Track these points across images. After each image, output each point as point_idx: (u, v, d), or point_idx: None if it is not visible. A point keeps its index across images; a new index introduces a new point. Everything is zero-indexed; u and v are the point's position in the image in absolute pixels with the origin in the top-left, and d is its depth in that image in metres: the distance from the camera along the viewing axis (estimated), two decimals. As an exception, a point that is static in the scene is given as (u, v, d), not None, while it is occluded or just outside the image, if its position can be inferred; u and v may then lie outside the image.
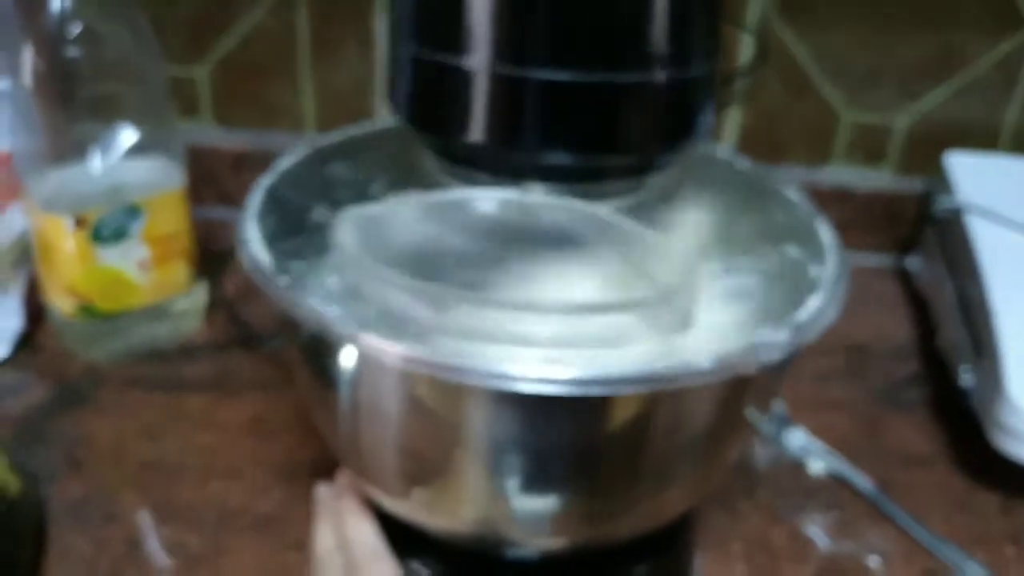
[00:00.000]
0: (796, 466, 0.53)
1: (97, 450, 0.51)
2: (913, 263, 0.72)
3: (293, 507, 0.48)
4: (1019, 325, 0.52)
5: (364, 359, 0.31)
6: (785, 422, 0.55)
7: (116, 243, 0.55)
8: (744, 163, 0.43)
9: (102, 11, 0.52)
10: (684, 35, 0.33)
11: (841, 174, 0.74)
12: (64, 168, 0.53)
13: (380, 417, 0.33)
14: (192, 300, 0.61)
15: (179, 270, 0.59)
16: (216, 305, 0.63)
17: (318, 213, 0.37)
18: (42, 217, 0.54)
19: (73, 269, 0.55)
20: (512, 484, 0.33)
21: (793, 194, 0.41)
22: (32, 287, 0.60)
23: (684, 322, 0.31)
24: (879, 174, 0.74)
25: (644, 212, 0.36)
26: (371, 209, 0.34)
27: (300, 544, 0.45)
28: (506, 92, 0.32)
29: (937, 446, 0.55)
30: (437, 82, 0.34)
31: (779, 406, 0.56)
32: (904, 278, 0.73)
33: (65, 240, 0.54)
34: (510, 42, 0.32)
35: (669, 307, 0.30)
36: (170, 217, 0.57)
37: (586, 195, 0.34)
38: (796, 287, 0.34)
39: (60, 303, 0.56)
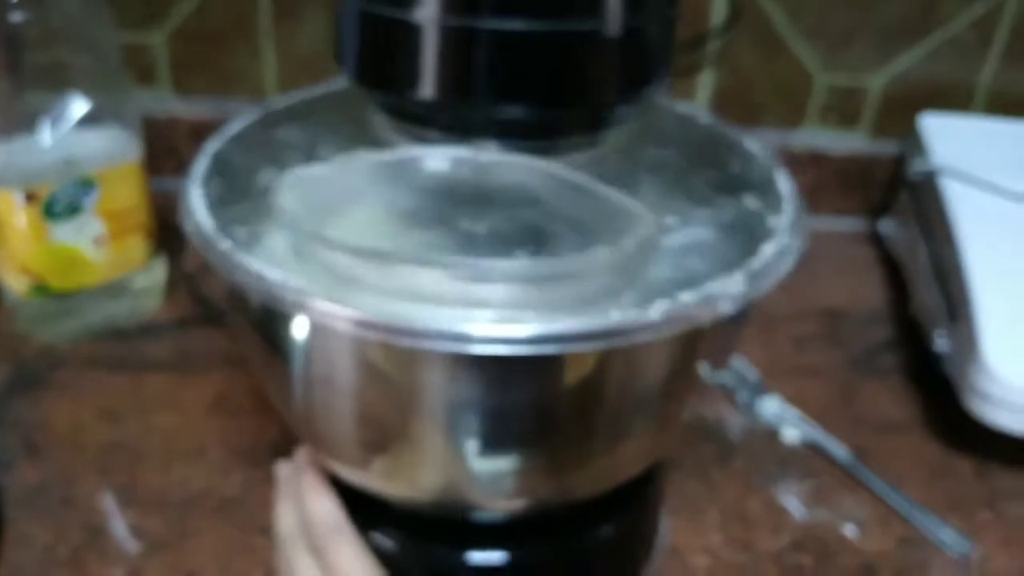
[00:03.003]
0: (771, 434, 0.52)
1: (55, 434, 0.50)
2: (887, 226, 0.71)
3: (258, 489, 0.47)
4: (994, 288, 0.51)
5: (312, 325, 0.30)
6: (759, 390, 0.55)
7: (69, 219, 0.53)
8: (706, 118, 0.42)
9: (47, -27, 0.50)
10: None
11: (815, 136, 0.73)
12: (13, 141, 0.51)
13: (333, 385, 0.32)
14: (151, 276, 0.59)
15: (136, 245, 0.57)
16: (176, 281, 0.62)
17: (264, 177, 0.36)
18: (-9, 192, 0.52)
19: (25, 246, 0.53)
20: (468, 444, 0.32)
21: (753, 146, 0.40)
22: (-16, 265, 0.58)
23: (638, 277, 0.30)
24: (853, 136, 0.73)
25: (600, 167, 0.35)
26: (315, 170, 0.32)
27: (265, 527, 0.44)
28: (456, 44, 0.31)
29: (912, 412, 0.55)
30: (384, 36, 0.32)
31: (753, 373, 0.56)
32: (878, 242, 0.72)
33: (16, 216, 0.52)
34: None
35: (622, 263, 0.29)
36: (126, 190, 0.55)
37: (542, 151, 0.33)
38: (754, 238, 0.33)
39: (13, 282, 0.54)
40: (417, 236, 0.31)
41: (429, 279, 0.29)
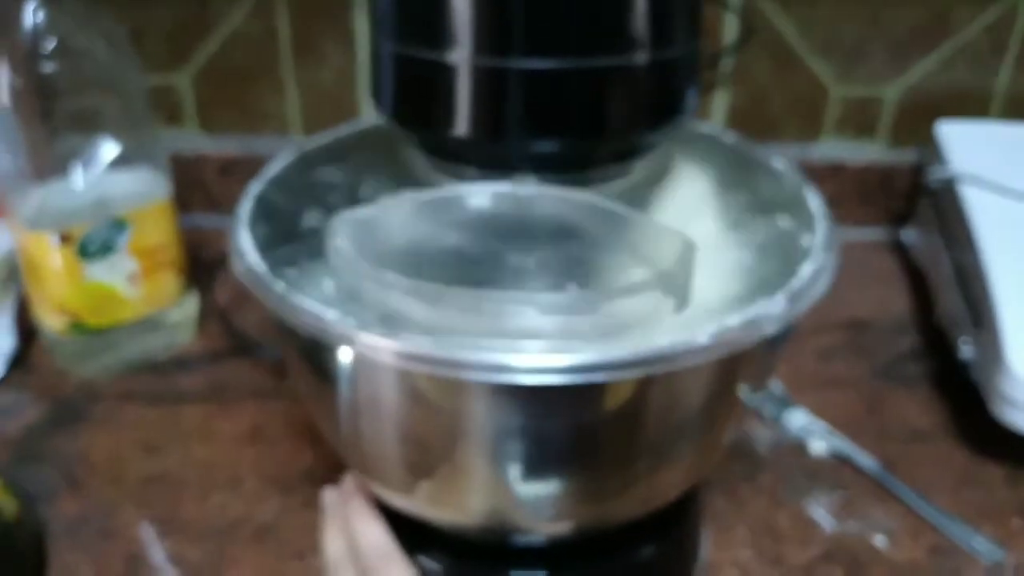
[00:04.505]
0: (798, 447, 0.52)
1: (95, 467, 0.51)
2: (909, 235, 0.71)
3: (293, 516, 0.47)
4: (1016, 294, 0.51)
5: (364, 359, 0.31)
6: (785, 403, 0.55)
7: (103, 258, 0.55)
8: (730, 137, 0.43)
9: (77, 24, 0.52)
10: (665, 15, 0.33)
11: (833, 148, 0.74)
12: (47, 184, 0.53)
13: (382, 414, 0.33)
14: (184, 311, 0.61)
15: (169, 281, 0.59)
16: (208, 314, 0.63)
17: (309, 218, 0.37)
18: (27, 235, 0.53)
19: (61, 286, 0.54)
20: (514, 471, 0.33)
21: (780, 164, 0.40)
22: (23, 306, 0.60)
23: (681, 303, 0.30)
24: (871, 147, 0.74)
25: (635, 195, 0.36)
26: (364, 211, 0.33)
27: (301, 553, 0.45)
28: (490, 84, 0.32)
29: (940, 420, 0.55)
30: (420, 78, 0.33)
31: (778, 387, 0.56)
32: (900, 251, 0.72)
33: (51, 257, 0.53)
34: (491, 34, 0.31)
35: (666, 289, 0.30)
36: (157, 228, 0.57)
37: (577, 183, 0.34)
38: (789, 257, 0.33)
39: (50, 321, 0.56)
40: (466, 273, 0.32)
41: (477, 313, 0.29)
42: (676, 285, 0.30)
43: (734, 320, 0.30)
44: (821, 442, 0.52)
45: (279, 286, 0.32)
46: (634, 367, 0.28)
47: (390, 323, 0.29)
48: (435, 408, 0.32)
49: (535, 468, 0.33)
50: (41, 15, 0.50)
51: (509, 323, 0.29)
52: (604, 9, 0.31)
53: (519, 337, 0.29)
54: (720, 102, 0.72)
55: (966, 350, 0.54)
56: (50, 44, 0.51)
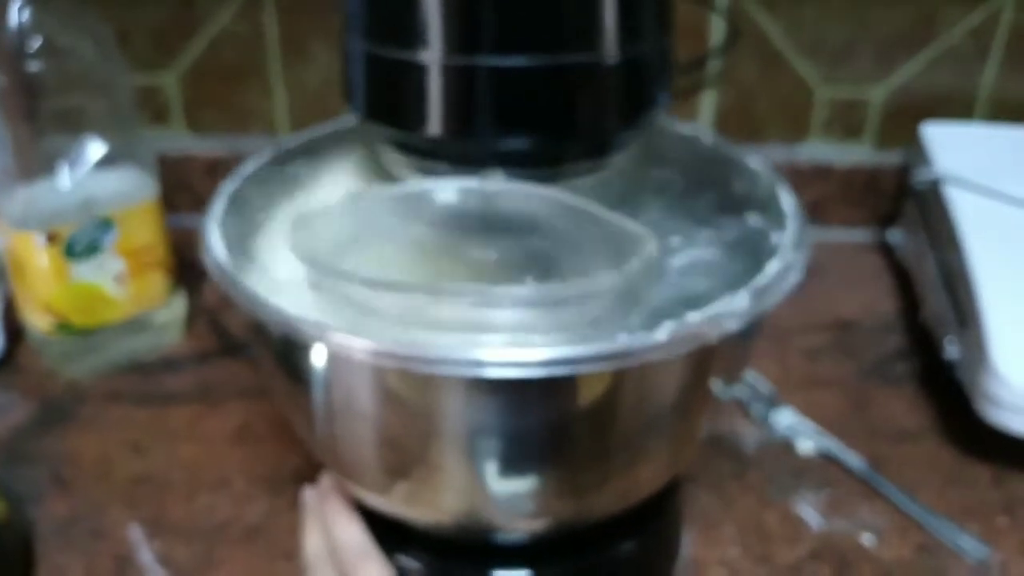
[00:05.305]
0: (785, 446, 0.53)
1: (82, 467, 0.51)
2: (895, 236, 0.72)
3: (281, 516, 0.47)
4: (1001, 294, 0.51)
5: (331, 356, 0.31)
6: (773, 402, 0.55)
7: (90, 257, 0.54)
8: (708, 136, 0.43)
9: (62, 23, 0.51)
10: (634, 12, 0.33)
11: (819, 150, 0.74)
12: (33, 184, 0.53)
13: (354, 413, 0.33)
14: (171, 311, 0.60)
15: (156, 281, 0.58)
16: (196, 315, 0.63)
17: (280, 213, 0.37)
18: (13, 235, 0.53)
19: (47, 286, 0.54)
20: (487, 467, 0.33)
21: (755, 163, 0.40)
22: (10, 306, 0.59)
23: (641, 298, 0.31)
24: (857, 148, 0.74)
25: (604, 191, 0.36)
26: (330, 206, 0.33)
27: (290, 553, 0.45)
28: (459, 82, 0.32)
29: (926, 420, 0.55)
30: (391, 77, 0.34)
31: (766, 386, 0.56)
32: (887, 252, 0.73)
33: (38, 257, 0.53)
34: (460, 32, 0.32)
35: (628, 285, 0.30)
36: (144, 228, 0.57)
37: (547, 178, 0.34)
38: (758, 255, 0.34)
39: (37, 321, 0.56)
40: (430, 266, 0.32)
41: (442, 307, 0.30)
42: (637, 281, 0.30)
43: (695, 317, 0.30)
44: (808, 441, 0.52)
45: (244, 281, 0.32)
46: (595, 362, 0.29)
47: (354, 319, 0.30)
48: (407, 405, 0.32)
49: (510, 465, 0.33)
50: (27, 14, 0.50)
51: (467, 315, 0.29)
52: (573, 6, 0.31)
53: (476, 330, 0.29)
54: (707, 104, 0.72)
55: (952, 350, 0.54)
56: (36, 43, 0.50)
